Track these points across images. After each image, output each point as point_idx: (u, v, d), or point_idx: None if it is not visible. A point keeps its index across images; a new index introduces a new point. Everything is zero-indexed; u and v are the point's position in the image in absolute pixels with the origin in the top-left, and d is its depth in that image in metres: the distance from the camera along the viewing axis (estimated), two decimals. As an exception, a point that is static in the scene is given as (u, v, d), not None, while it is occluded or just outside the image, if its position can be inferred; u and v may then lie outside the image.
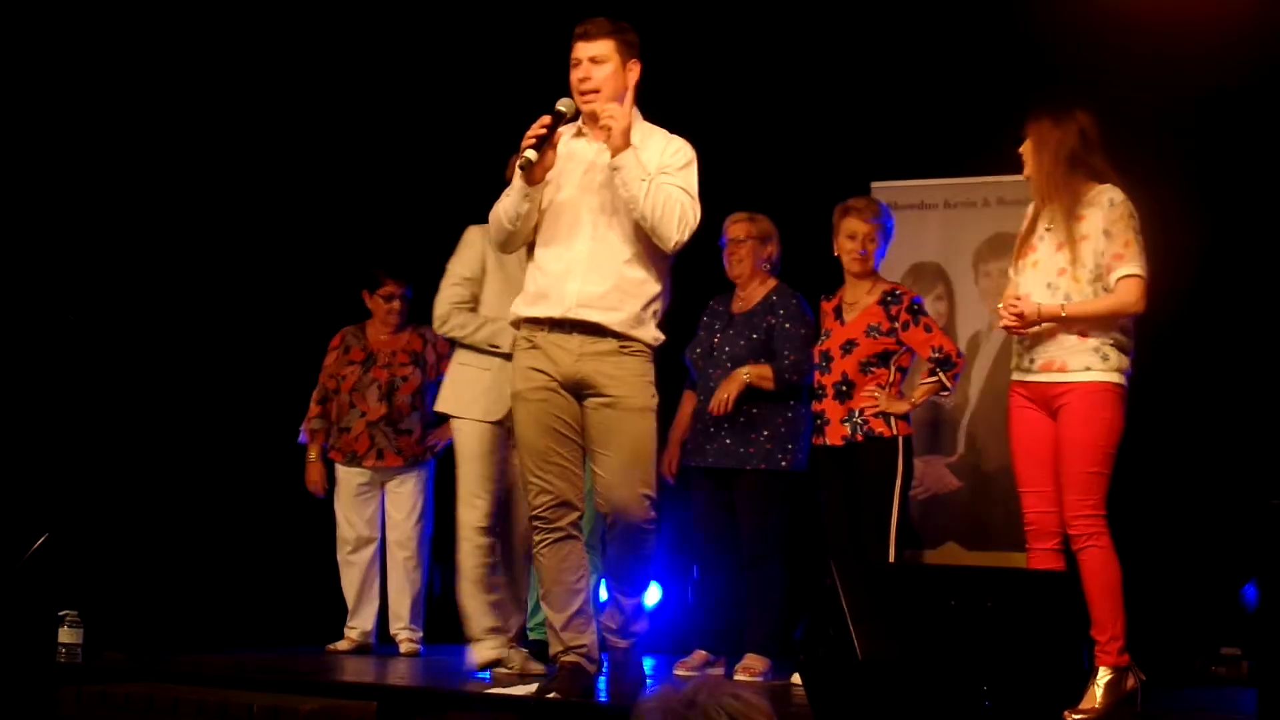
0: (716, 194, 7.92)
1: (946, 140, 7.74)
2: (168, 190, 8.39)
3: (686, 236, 4.96)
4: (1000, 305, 5.28)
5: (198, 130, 8.33)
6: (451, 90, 8.34)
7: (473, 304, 6.09)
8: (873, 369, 6.29)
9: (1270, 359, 7.07)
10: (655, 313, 5.08)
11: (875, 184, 7.68)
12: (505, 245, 5.17)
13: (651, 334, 5.06)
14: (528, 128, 4.98)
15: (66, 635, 5.96)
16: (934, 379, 6.25)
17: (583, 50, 5.00)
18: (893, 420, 6.24)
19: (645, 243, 4.99)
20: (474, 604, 5.92)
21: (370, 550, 7.12)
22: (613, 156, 4.91)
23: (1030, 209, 5.39)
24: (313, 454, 7.15)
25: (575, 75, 5.02)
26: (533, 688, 5.16)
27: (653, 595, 8.07)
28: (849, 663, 4.47)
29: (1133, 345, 5.22)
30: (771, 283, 6.60)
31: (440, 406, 6.24)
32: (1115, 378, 5.15)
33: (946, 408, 7.39)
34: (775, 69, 8.10)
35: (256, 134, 8.32)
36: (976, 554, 7.30)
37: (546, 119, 4.95)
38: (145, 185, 8.35)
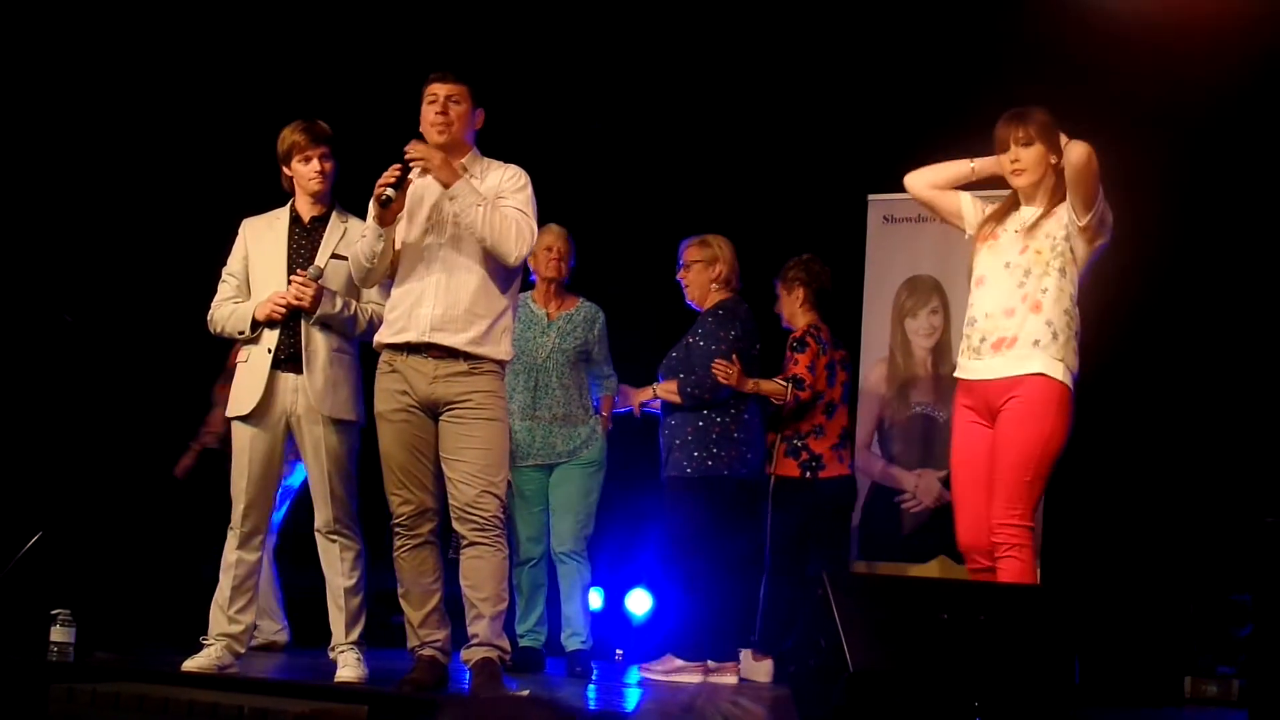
0: (715, 208, 7.98)
1: (944, 153, 7.74)
2: (162, 190, 8.41)
3: (525, 250, 5.38)
4: None
5: (193, 131, 8.36)
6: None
7: (240, 298, 5.87)
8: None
9: (1269, 376, 7.09)
10: (505, 330, 5.46)
11: (872, 196, 7.72)
12: (364, 281, 5.60)
13: (502, 350, 5.44)
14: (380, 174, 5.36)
15: (58, 634, 5.93)
16: (785, 385, 6.73)
17: (440, 89, 5.44)
18: (775, 458, 6.84)
19: (490, 266, 5.39)
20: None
21: None
22: (447, 188, 5.33)
23: (997, 206, 5.37)
24: None
25: (431, 110, 5.45)
26: (524, 694, 5.18)
27: (644, 604, 8.10)
28: (840, 674, 4.48)
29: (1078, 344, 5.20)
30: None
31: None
32: (1066, 376, 5.11)
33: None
34: (772, 82, 8.13)
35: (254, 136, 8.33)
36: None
37: (398, 166, 5.35)
38: (141, 184, 8.37)
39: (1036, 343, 5.10)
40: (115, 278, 8.34)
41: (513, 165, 5.54)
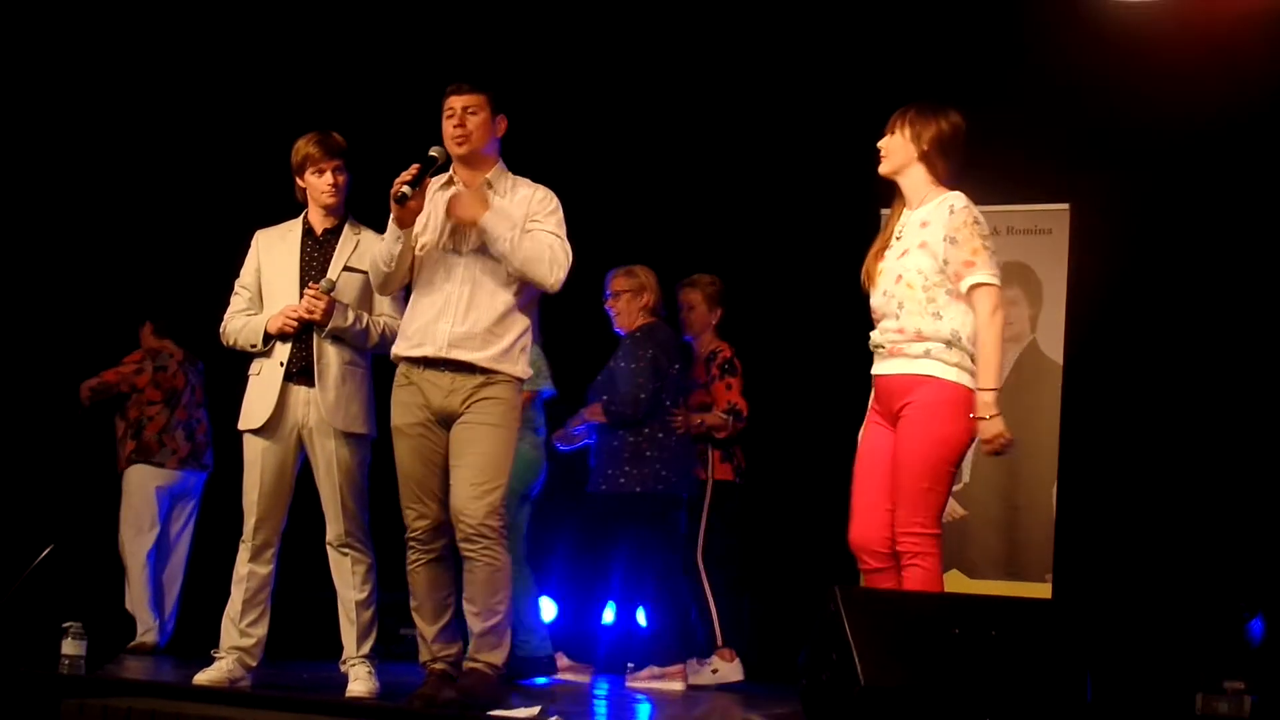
0: (727, 222, 7.97)
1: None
2: (177, 201, 8.43)
3: (562, 276, 5.32)
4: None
5: (207, 142, 8.38)
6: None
7: (253, 310, 5.86)
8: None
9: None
10: (523, 348, 5.41)
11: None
12: (383, 287, 5.53)
13: (520, 368, 5.39)
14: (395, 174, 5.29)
15: (70, 647, 5.95)
16: (726, 418, 7.08)
17: (457, 101, 5.38)
18: (711, 464, 7.16)
19: (514, 284, 5.34)
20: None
21: None
22: (475, 227, 5.29)
23: (887, 217, 5.29)
24: None
25: (450, 124, 5.38)
26: (534, 710, 5.16)
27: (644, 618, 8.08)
28: (851, 689, 4.48)
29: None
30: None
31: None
32: (963, 377, 4.97)
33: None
34: (785, 95, 8.14)
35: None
36: (980, 582, 7.30)
37: (417, 165, 5.29)
38: (155, 195, 8.39)
39: (928, 352, 4.99)
40: (128, 289, 8.36)
41: (542, 186, 5.47)
